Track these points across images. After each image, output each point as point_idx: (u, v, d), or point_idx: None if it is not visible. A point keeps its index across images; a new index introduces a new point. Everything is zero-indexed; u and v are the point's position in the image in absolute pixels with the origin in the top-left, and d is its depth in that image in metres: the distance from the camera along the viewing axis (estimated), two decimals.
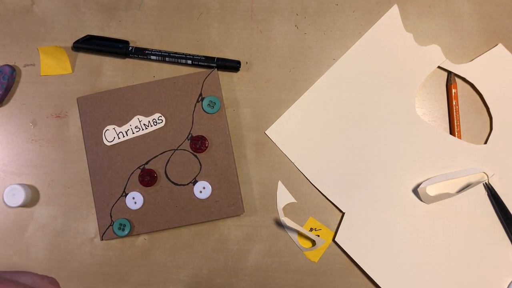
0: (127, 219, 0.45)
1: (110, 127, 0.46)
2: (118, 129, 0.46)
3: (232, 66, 0.46)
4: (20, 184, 0.46)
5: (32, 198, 0.46)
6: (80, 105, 0.46)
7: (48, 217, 0.46)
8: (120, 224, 0.45)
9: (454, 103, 0.45)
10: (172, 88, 0.46)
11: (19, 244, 0.46)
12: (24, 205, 0.46)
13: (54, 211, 0.46)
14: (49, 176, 0.47)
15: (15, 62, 0.48)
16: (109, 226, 0.45)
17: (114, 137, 0.46)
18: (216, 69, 0.46)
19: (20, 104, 0.47)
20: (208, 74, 0.46)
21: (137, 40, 0.48)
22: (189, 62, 0.46)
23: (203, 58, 0.46)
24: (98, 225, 0.45)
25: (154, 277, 0.45)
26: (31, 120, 0.47)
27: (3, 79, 0.46)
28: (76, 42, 0.47)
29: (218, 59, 0.46)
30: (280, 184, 0.46)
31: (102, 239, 0.45)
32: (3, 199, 0.46)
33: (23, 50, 0.48)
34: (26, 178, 0.47)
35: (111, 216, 0.45)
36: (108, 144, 0.46)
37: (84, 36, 0.47)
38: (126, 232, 0.44)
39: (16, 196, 0.45)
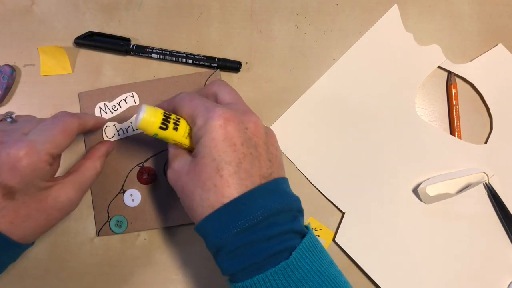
0: (124, 216, 0.45)
1: (110, 123, 0.46)
2: (119, 126, 0.46)
3: (233, 66, 0.46)
4: None
5: None
6: (81, 100, 0.46)
7: None
8: (117, 221, 0.45)
9: (454, 103, 0.45)
10: (174, 87, 0.46)
11: None
12: None
13: None
14: None
15: (15, 62, 0.48)
16: (105, 223, 0.45)
17: (114, 134, 0.46)
18: (218, 69, 0.46)
19: (20, 104, 0.47)
20: (211, 75, 0.46)
21: (137, 39, 0.48)
22: (190, 61, 0.46)
23: (204, 58, 0.46)
24: (95, 221, 0.45)
25: (154, 277, 0.45)
26: None
27: (3, 79, 0.46)
28: (77, 38, 0.47)
29: (219, 59, 0.46)
30: None
31: (98, 235, 0.45)
32: None
33: (23, 50, 0.48)
34: None
35: (108, 213, 0.45)
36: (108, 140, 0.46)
37: (86, 32, 0.47)
38: (123, 229, 0.44)
39: None
